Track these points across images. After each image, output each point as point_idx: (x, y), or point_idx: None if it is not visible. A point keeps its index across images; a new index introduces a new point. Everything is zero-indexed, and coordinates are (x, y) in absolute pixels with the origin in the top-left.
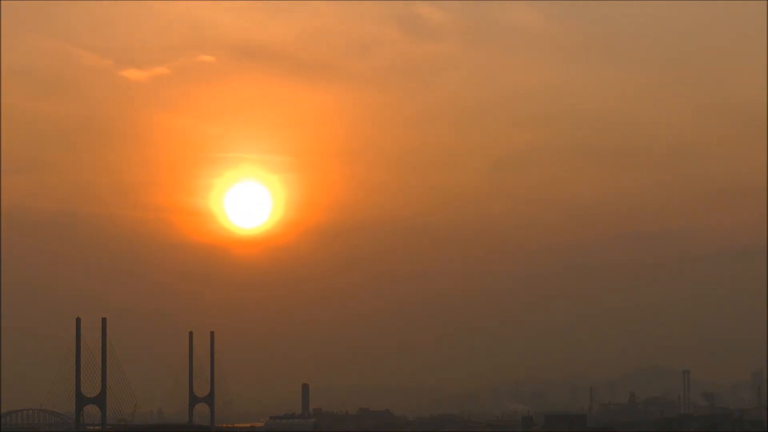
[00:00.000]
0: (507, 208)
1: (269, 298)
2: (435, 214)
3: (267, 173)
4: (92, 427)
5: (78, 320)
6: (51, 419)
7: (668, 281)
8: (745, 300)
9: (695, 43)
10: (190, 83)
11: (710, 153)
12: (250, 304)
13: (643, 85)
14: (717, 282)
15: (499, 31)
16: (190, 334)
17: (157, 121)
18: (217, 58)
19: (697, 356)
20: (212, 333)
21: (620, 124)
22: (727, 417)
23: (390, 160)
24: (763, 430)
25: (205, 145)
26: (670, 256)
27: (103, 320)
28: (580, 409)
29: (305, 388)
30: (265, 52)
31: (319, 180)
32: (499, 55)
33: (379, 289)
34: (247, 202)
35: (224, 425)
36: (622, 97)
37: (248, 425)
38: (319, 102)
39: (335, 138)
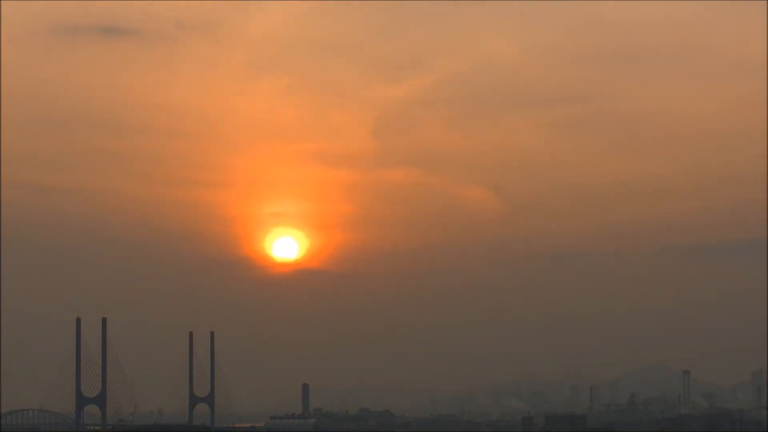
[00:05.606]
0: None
1: (269, 298)
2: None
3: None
4: (92, 427)
5: (78, 320)
6: (51, 419)
7: (669, 280)
8: (746, 299)
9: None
10: None
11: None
12: (251, 304)
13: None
14: (717, 281)
15: None
16: (190, 334)
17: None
18: None
19: (697, 356)
20: (212, 333)
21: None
22: (727, 417)
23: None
24: (763, 430)
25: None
26: (670, 253)
27: (103, 320)
28: (580, 409)
29: (305, 388)
30: None
31: None
32: None
33: (379, 288)
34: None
35: (224, 425)
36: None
37: (248, 425)
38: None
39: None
